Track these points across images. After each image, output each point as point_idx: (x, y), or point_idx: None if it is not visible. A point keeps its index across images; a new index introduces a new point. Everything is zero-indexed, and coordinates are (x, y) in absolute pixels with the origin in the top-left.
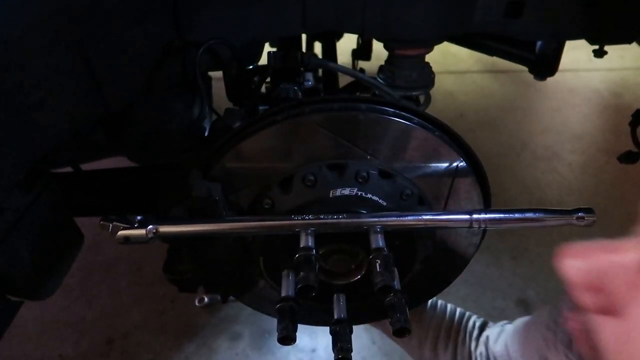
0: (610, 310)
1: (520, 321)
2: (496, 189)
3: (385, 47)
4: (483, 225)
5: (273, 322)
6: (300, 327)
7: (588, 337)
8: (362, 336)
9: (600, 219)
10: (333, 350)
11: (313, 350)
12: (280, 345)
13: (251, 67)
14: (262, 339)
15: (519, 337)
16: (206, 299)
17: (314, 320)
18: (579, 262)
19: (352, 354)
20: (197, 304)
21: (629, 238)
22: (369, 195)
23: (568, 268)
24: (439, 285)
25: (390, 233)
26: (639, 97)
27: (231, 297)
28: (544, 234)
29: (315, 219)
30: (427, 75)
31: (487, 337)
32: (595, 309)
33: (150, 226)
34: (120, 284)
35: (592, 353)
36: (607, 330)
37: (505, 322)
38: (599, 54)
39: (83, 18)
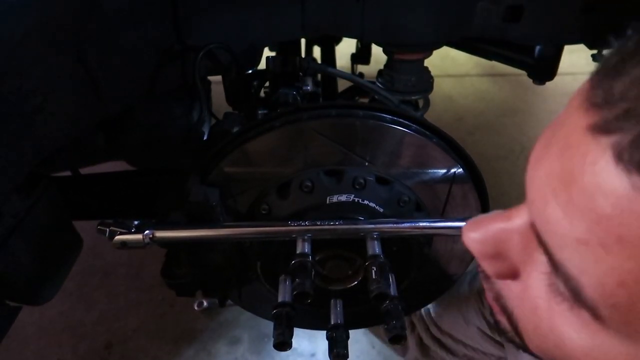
0: (509, 274)
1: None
2: (495, 192)
3: (384, 51)
4: None
5: (272, 326)
6: (299, 331)
7: (499, 303)
8: (362, 340)
9: None
10: (329, 356)
11: (312, 355)
12: None
13: (250, 71)
14: (261, 343)
15: (441, 302)
16: (205, 303)
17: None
18: (476, 234)
19: (352, 358)
20: (196, 308)
21: (517, 206)
22: (366, 202)
23: (468, 240)
24: (437, 290)
25: (387, 239)
26: None
27: (229, 301)
28: None
29: (312, 225)
30: (426, 80)
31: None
32: (497, 275)
33: (147, 231)
34: (119, 288)
35: (506, 319)
36: (509, 292)
37: None
38: (598, 58)
39: (82, 23)
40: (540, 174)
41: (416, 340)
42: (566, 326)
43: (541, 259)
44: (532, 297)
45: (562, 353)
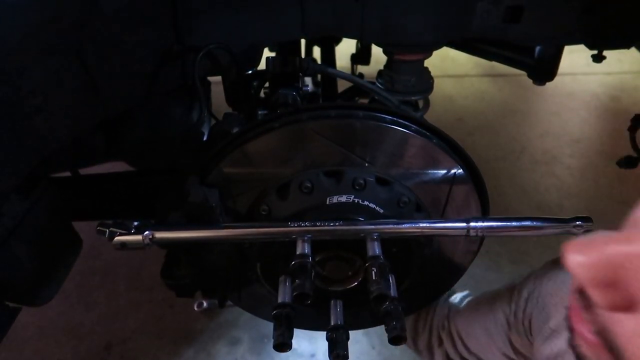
0: (624, 305)
1: (474, 299)
2: (495, 193)
3: (384, 52)
4: (480, 234)
5: (272, 327)
6: (299, 332)
7: (602, 337)
8: (362, 341)
9: (599, 223)
10: (329, 357)
11: (312, 355)
12: None
13: (250, 72)
14: (261, 343)
15: (467, 315)
16: (205, 304)
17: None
18: (586, 257)
19: (352, 359)
20: (195, 308)
21: (636, 228)
22: (366, 203)
23: (575, 264)
24: (437, 291)
25: (387, 240)
26: (637, 101)
27: (229, 302)
28: (544, 237)
29: (311, 225)
30: (426, 80)
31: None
32: (609, 305)
33: (147, 232)
34: (119, 288)
35: (609, 356)
36: (624, 327)
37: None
38: (598, 58)
39: (82, 24)
40: None
41: (443, 356)
42: None
43: None
44: None
45: None
